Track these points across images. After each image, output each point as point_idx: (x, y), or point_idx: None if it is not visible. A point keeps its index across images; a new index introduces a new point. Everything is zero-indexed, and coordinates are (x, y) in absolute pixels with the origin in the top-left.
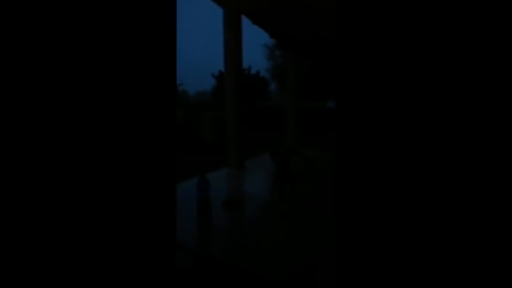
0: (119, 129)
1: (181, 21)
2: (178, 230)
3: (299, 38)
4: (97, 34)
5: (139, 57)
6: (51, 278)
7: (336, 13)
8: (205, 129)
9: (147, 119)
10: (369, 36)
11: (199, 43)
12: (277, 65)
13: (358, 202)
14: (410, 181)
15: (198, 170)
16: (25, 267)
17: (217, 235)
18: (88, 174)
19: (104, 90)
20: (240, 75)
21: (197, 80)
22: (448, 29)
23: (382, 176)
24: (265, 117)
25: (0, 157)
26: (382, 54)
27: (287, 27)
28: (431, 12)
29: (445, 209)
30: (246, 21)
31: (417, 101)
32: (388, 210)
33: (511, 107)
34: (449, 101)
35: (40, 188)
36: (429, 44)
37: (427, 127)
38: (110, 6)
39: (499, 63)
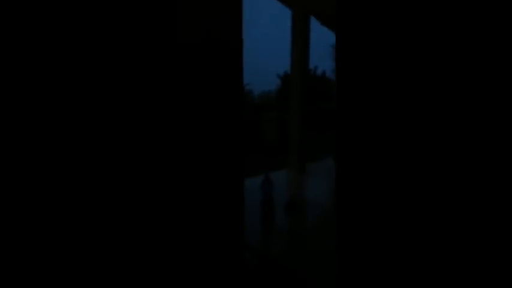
0: (189, 130)
1: (248, 20)
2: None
3: None
4: (167, 40)
5: (208, 61)
6: (125, 275)
7: (336, 15)
8: (267, 129)
9: (216, 120)
10: (371, 42)
11: (266, 42)
12: None
13: (359, 204)
14: (410, 184)
15: (259, 169)
16: (90, 264)
17: (279, 237)
18: (164, 176)
19: (179, 93)
20: (305, 77)
21: (262, 79)
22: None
23: (382, 179)
24: (329, 119)
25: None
26: (382, 60)
27: None
28: (431, 17)
29: (445, 213)
30: (313, 22)
31: (417, 104)
32: (387, 213)
33: (511, 108)
34: (450, 108)
35: (108, 188)
36: (431, 47)
37: (426, 131)
38: (180, 15)
39: (499, 68)
